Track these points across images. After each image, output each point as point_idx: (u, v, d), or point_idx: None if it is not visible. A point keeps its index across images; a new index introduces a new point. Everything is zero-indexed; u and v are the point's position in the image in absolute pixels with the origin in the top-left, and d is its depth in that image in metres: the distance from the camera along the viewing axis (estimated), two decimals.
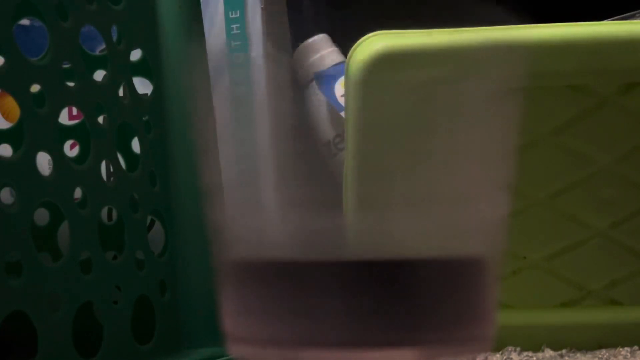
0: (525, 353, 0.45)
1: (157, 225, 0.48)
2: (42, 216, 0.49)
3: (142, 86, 0.47)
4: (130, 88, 0.45)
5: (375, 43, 0.38)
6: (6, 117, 0.57)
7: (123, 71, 0.45)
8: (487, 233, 0.25)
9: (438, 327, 0.23)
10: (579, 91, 0.43)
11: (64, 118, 0.53)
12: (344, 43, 0.63)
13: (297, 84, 0.27)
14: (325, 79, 0.62)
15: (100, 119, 0.43)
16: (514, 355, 0.45)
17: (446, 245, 0.24)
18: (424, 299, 0.23)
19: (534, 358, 0.45)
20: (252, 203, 0.25)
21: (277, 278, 0.23)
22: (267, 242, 0.24)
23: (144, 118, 0.46)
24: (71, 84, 0.41)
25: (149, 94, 0.47)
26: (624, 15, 0.59)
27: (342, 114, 0.28)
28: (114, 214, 0.48)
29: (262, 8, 0.62)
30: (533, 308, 0.47)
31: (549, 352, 0.45)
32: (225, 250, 0.25)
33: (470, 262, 0.24)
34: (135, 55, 0.47)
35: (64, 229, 0.45)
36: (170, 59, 0.47)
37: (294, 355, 0.23)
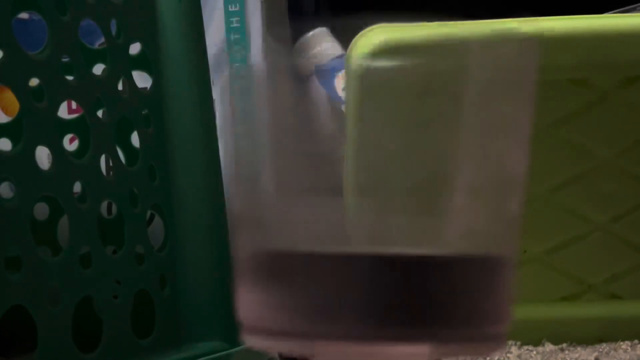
0: (525, 347, 0.45)
1: (157, 219, 0.47)
2: (41, 210, 0.49)
3: (142, 80, 0.47)
4: (130, 82, 0.45)
5: (376, 35, 0.38)
6: (5, 111, 0.57)
7: (122, 65, 0.45)
8: (502, 230, 0.24)
9: (453, 324, 0.23)
10: (580, 85, 0.43)
11: (63, 112, 0.53)
12: (344, 36, 0.63)
13: (297, 77, 0.27)
14: (326, 72, 0.62)
15: (100, 113, 0.43)
16: (514, 350, 0.45)
17: (454, 241, 0.23)
18: (441, 295, 0.23)
19: (534, 352, 0.45)
20: (254, 196, 0.25)
21: (294, 270, 0.23)
22: (274, 234, 0.24)
23: (143, 112, 0.46)
24: (70, 78, 0.40)
25: (148, 88, 0.47)
26: (625, 8, 0.59)
27: (343, 107, 0.28)
28: (114, 208, 0.48)
29: (261, 1, 0.62)
30: (533, 302, 0.47)
31: (549, 346, 0.45)
32: (242, 242, 0.25)
33: (486, 260, 0.24)
34: (135, 49, 0.47)
35: (63, 223, 0.45)
36: (170, 52, 0.47)
37: (308, 348, 0.23)
